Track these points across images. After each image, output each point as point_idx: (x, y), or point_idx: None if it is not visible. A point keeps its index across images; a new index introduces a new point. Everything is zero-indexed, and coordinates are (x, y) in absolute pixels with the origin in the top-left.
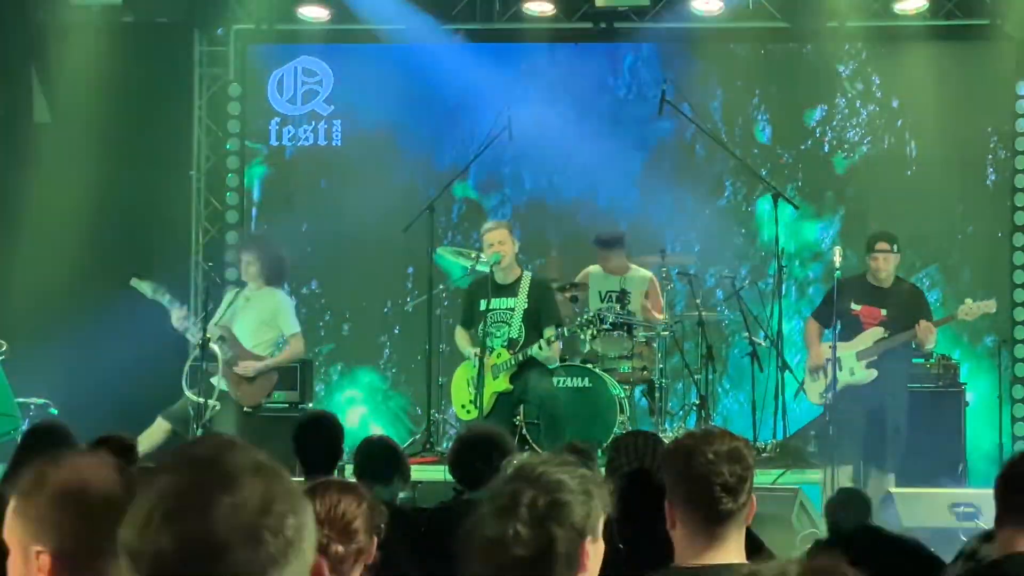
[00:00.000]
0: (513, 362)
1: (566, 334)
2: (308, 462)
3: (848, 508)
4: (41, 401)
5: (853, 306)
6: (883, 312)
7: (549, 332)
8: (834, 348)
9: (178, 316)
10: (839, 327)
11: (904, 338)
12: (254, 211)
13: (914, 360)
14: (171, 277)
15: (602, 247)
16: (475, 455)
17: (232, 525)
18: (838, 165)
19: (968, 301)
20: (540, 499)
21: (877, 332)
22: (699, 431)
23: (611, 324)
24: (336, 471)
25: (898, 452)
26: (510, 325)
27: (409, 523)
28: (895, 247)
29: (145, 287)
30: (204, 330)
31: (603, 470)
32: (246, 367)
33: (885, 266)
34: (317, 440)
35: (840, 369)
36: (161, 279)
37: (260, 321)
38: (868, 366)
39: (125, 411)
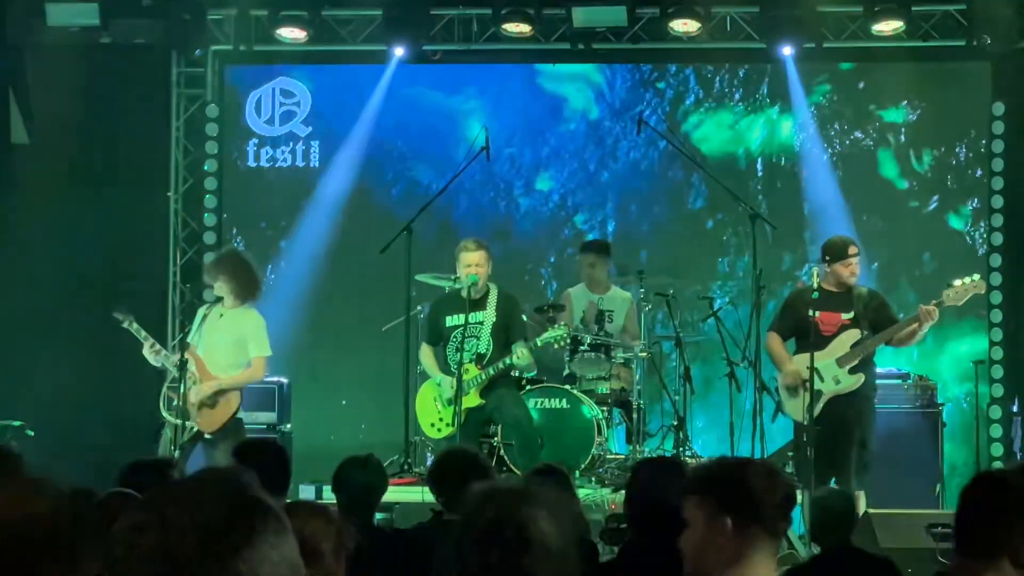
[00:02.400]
0: (483, 377)
1: (539, 344)
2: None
3: (832, 514)
4: (18, 423)
5: (811, 312)
6: (844, 316)
7: (520, 346)
8: (811, 366)
9: (148, 350)
10: (796, 339)
11: (887, 334)
12: (232, 231)
13: (892, 381)
14: (149, 298)
15: (589, 251)
16: (455, 474)
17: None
18: (812, 183)
19: (953, 286)
20: (518, 527)
21: (853, 334)
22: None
23: (589, 345)
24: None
25: (865, 467)
26: (479, 339)
27: (388, 544)
28: (859, 255)
29: (119, 316)
30: (183, 350)
31: (603, 492)
32: (198, 391)
33: (857, 271)
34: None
35: (823, 380)
36: (139, 299)
37: (234, 341)
38: (852, 371)
39: (103, 432)
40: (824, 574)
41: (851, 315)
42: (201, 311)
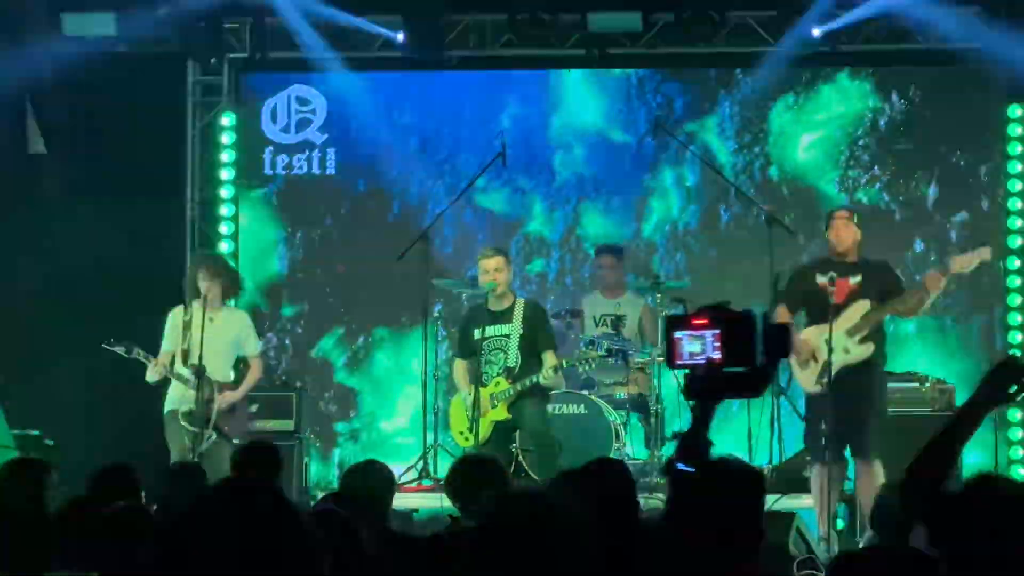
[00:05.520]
0: (511, 392)
1: (565, 365)
2: None
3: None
4: (37, 433)
5: (818, 278)
6: (852, 282)
7: (549, 359)
8: (829, 337)
9: (152, 372)
10: (806, 311)
11: (897, 303)
12: (248, 239)
13: (910, 384)
14: (166, 306)
15: (606, 254)
16: (472, 481)
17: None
18: (830, 189)
19: (961, 254)
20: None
21: (863, 305)
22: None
23: (607, 351)
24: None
25: (877, 434)
26: (507, 353)
27: (403, 552)
28: (855, 218)
29: (119, 349)
30: (200, 359)
31: None
32: (223, 399)
33: (845, 232)
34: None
35: (832, 351)
36: (155, 308)
37: (231, 342)
38: (862, 341)
39: (124, 441)
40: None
41: (859, 279)
42: (177, 315)
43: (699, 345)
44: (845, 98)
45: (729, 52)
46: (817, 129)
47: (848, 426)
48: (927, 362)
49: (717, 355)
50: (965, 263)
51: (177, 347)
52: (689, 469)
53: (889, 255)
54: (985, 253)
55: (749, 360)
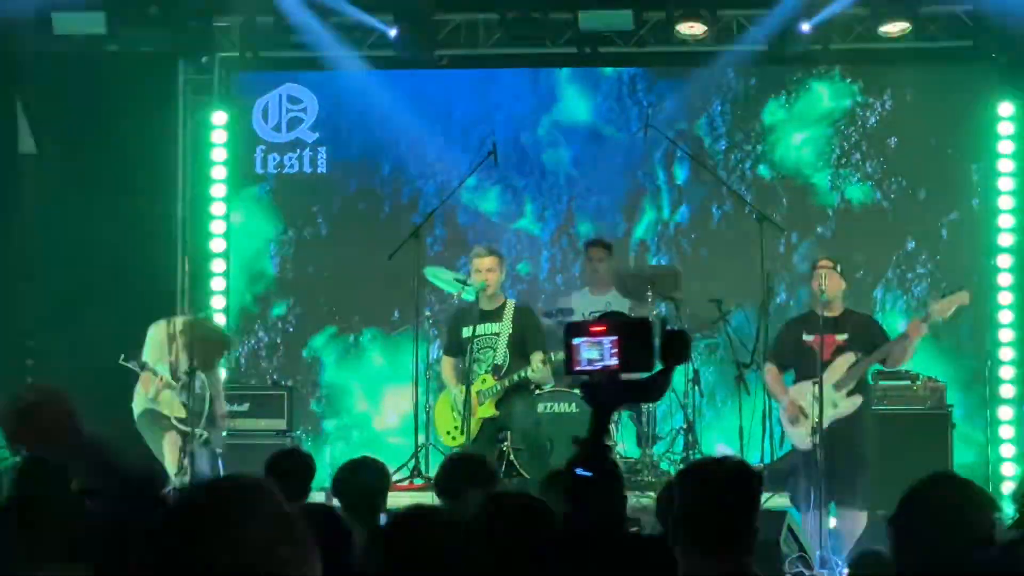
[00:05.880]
0: (499, 388)
1: (553, 360)
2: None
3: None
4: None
5: (805, 337)
6: (839, 338)
7: (537, 357)
8: (820, 388)
9: (154, 387)
10: (796, 366)
11: (881, 354)
12: (239, 238)
13: (901, 382)
14: (156, 305)
15: (597, 247)
16: (461, 480)
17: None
18: (821, 188)
19: (939, 300)
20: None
21: (848, 358)
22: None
23: None
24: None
25: (867, 485)
26: (495, 350)
27: None
28: (838, 267)
29: (132, 365)
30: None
31: None
32: (222, 406)
33: (829, 284)
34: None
35: (821, 407)
36: (146, 308)
37: None
38: (849, 394)
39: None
40: None
41: (845, 336)
42: (161, 329)
43: (597, 352)
44: (836, 96)
45: (720, 50)
46: (808, 127)
47: (839, 481)
48: (918, 360)
49: (614, 362)
50: (944, 309)
51: (163, 360)
52: (587, 474)
53: (880, 254)
54: (964, 298)
55: (647, 366)
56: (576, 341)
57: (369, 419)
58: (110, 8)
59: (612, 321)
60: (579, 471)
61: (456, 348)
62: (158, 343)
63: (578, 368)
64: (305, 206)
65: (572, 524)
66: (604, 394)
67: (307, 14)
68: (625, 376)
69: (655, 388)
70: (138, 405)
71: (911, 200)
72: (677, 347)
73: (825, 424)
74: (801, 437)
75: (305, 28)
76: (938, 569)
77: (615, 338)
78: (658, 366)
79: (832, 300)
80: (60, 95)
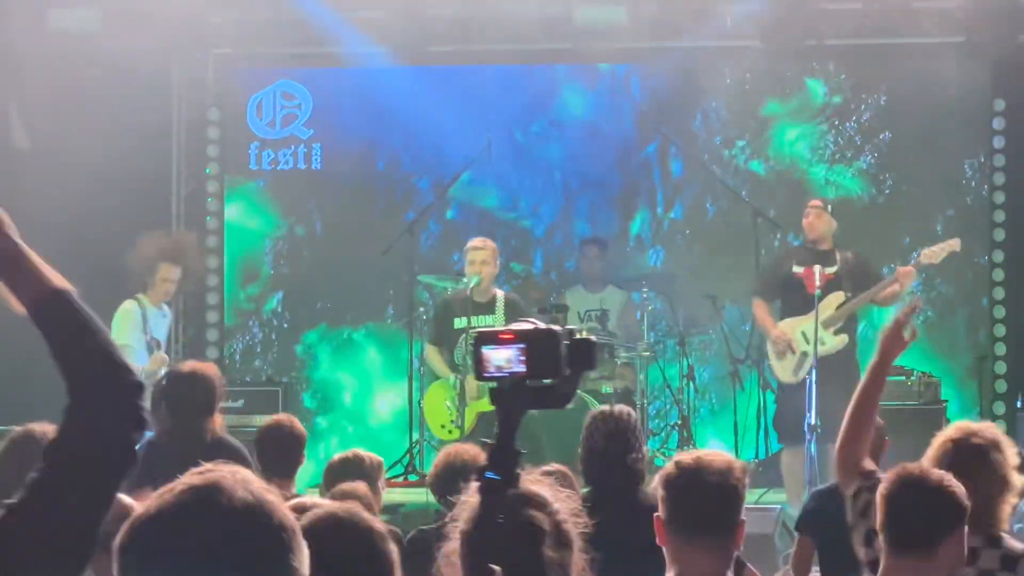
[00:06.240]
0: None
1: None
2: (266, 466)
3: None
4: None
5: (795, 268)
6: (828, 270)
7: None
8: (816, 325)
9: (153, 364)
10: (781, 301)
11: (870, 295)
12: (234, 235)
13: (896, 377)
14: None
15: (592, 244)
16: (456, 475)
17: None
18: (816, 183)
19: (928, 248)
20: (552, 527)
21: (839, 296)
22: (690, 452)
23: None
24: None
25: None
26: None
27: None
28: (828, 208)
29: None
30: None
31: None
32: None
33: (817, 222)
34: (276, 445)
35: (807, 342)
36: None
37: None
38: (837, 332)
39: None
40: None
41: (834, 269)
42: (134, 308)
43: (505, 359)
44: (831, 92)
45: (715, 46)
46: (803, 123)
47: (822, 417)
48: (912, 356)
49: (522, 368)
50: (935, 255)
51: (139, 339)
52: (496, 477)
53: (876, 249)
54: (954, 244)
55: (554, 373)
56: (485, 349)
57: (362, 415)
58: (105, 4)
59: (520, 329)
60: (488, 474)
61: (444, 338)
62: (135, 322)
63: (487, 374)
64: (299, 202)
65: (480, 525)
66: (512, 400)
67: (301, 9)
68: (532, 382)
69: (562, 394)
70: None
71: (905, 195)
72: (583, 354)
73: (809, 362)
74: (786, 370)
75: (299, 23)
76: None
77: (523, 346)
78: (565, 373)
79: (821, 238)
80: (54, 91)
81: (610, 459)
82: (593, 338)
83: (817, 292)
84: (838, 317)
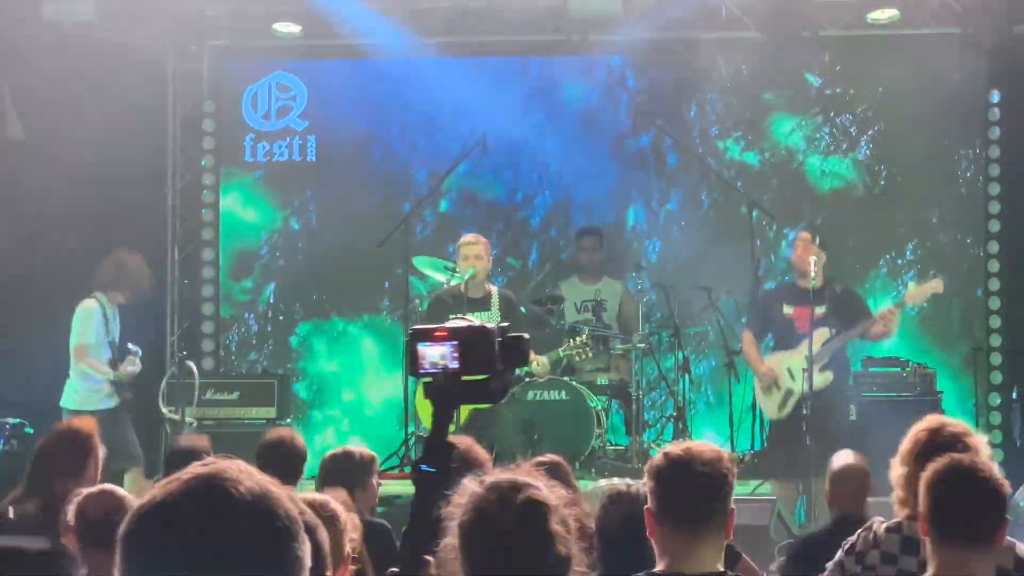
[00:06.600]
0: None
1: (561, 356)
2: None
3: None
4: (16, 421)
5: (785, 309)
6: (818, 311)
7: (541, 357)
8: (810, 354)
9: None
10: (773, 336)
11: (855, 333)
12: (229, 226)
13: (891, 368)
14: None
15: (589, 235)
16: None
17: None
18: (811, 175)
19: (911, 285)
20: (549, 519)
21: (824, 333)
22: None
23: (589, 336)
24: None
25: None
26: None
27: (385, 540)
28: (817, 240)
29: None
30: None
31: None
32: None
33: (805, 255)
34: (277, 460)
35: (794, 379)
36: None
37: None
38: (823, 369)
39: None
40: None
41: (823, 309)
42: (96, 307)
43: (439, 355)
44: (826, 83)
45: (711, 38)
46: (798, 114)
47: (822, 448)
48: (908, 347)
49: (456, 365)
50: (918, 296)
51: (102, 337)
52: (431, 469)
53: (871, 239)
54: (937, 286)
55: (488, 369)
56: (421, 346)
57: (357, 407)
58: None
59: (454, 327)
60: (423, 467)
61: None
62: (97, 321)
63: (422, 371)
64: (295, 194)
65: (416, 517)
66: (446, 394)
67: (297, 1)
68: (467, 378)
69: (495, 389)
70: (101, 403)
71: (900, 186)
72: (516, 351)
73: (797, 397)
74: (772, 406)
75: (293, 15)
76: None
77: (456, 343)
78: (499, 368)
79: (809, 273)
80: (49, 82)
81: (626, 544)
82: (526, 335)
83: (808, 342)
84: (824, 353)
